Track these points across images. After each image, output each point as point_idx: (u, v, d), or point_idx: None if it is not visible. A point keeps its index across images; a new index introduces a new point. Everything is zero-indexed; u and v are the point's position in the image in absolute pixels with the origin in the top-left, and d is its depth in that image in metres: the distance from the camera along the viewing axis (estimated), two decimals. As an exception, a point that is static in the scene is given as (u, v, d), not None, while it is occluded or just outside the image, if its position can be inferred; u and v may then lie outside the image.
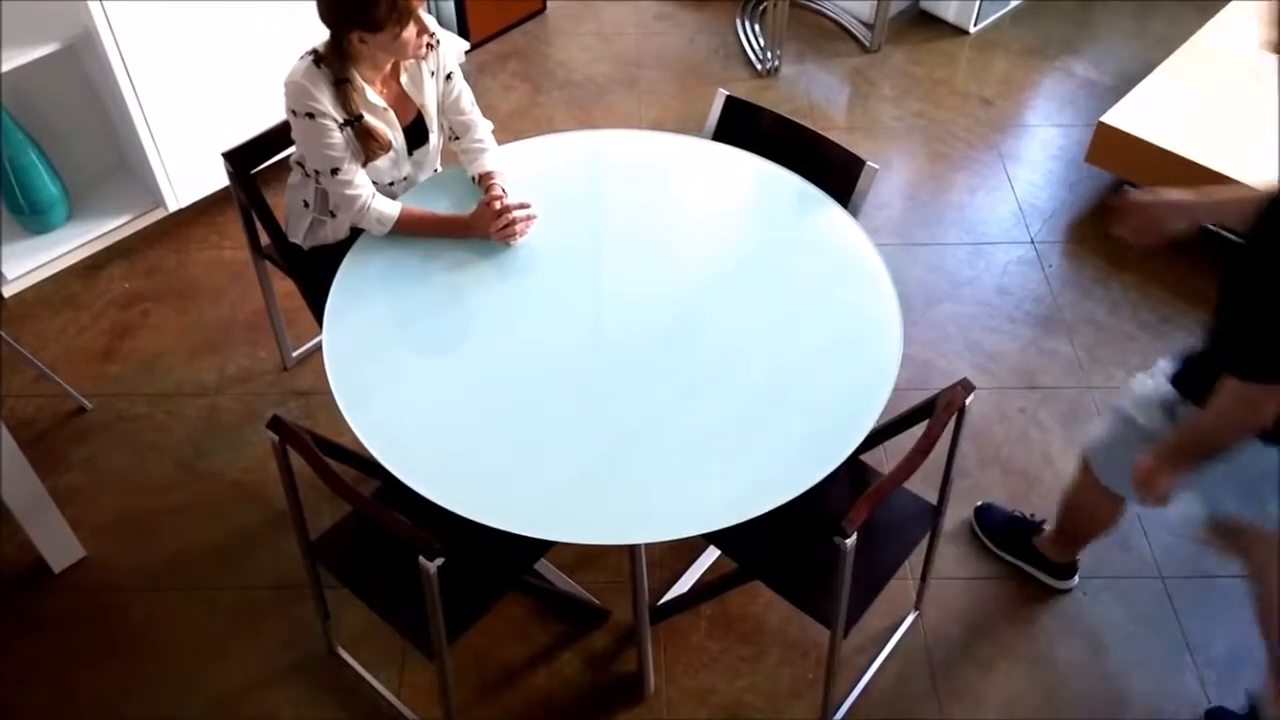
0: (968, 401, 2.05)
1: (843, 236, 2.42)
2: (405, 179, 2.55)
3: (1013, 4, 4.40)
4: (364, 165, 2.40)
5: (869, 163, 2.46)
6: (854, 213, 2.48)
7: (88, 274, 3.39)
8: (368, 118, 2.35)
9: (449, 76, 2.50)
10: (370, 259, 2.38)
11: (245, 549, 2.70)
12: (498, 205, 2.38)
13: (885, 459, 2.80)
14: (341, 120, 2.32)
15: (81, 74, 3.31)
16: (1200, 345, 1.98)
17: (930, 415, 2.02)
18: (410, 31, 2.25)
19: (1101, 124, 3.42)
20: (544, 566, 2.61)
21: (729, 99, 2.70)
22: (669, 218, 2.49)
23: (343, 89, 2.30)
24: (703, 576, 2.63)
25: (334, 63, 2.29)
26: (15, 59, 2.98)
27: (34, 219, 3.32)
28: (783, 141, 2.62)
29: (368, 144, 2.37)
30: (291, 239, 2.65)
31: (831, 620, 2.04)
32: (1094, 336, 3.19)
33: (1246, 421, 1.80)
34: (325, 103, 2.28)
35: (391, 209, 2.39)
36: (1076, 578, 2.61)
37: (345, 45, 2.27)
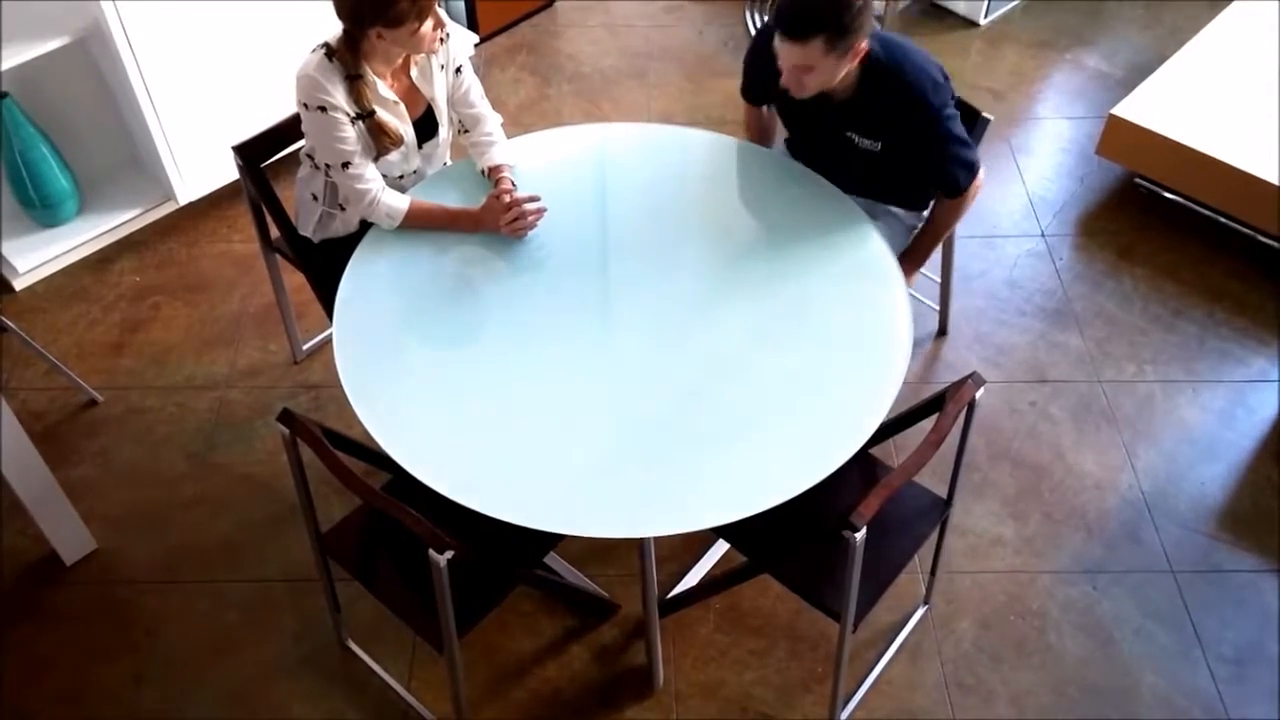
0: (978, 395, 2.05)
1: (851, 228, 2.41)
2: (415, 172, 2.55)
3: (1024, -4, 4.39)
4: (375, 160, 2.40)
5: (983, 114, 2.59)
6: None
7: (98, 267, 3.40)
8: (380, 112, 2.36)
9: (459, 70, 2.50)
10: (380, 252, 2.39)
11: (256, 542, 2.70)
12: (507, 199, 2.38)
13: (895, 452, 2.80)
14: (353, 114, 2.32)
15: (92, 67, 3.31)
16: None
17: (940, 409, 2.02)
18: (428, 26, 2.25)
19: (1112, 116, 3.41)
20: (553, 560, 2.61)
21: None
22: (678, 211, 2.49)
23: (355, 84, 2.30)
24: (712, 570, 2.63)
25: (346, 57, 2.29)
26: (26, 53, 2.99)
27: (45, 212, 3.33)
28: None
29: (379, 139, 2.37)
30: (301, 232, 2.66)
31: (841, 614, 2.04)
32: (1104, 330, 3.18)
33: (967, 209, 2.55)
34: (337, 96, 2.28)
35: (401, 203, 2.39)
36: None
37: (362, 41, 2.27)
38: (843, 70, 2.25)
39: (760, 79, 2.54)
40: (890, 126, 2.38)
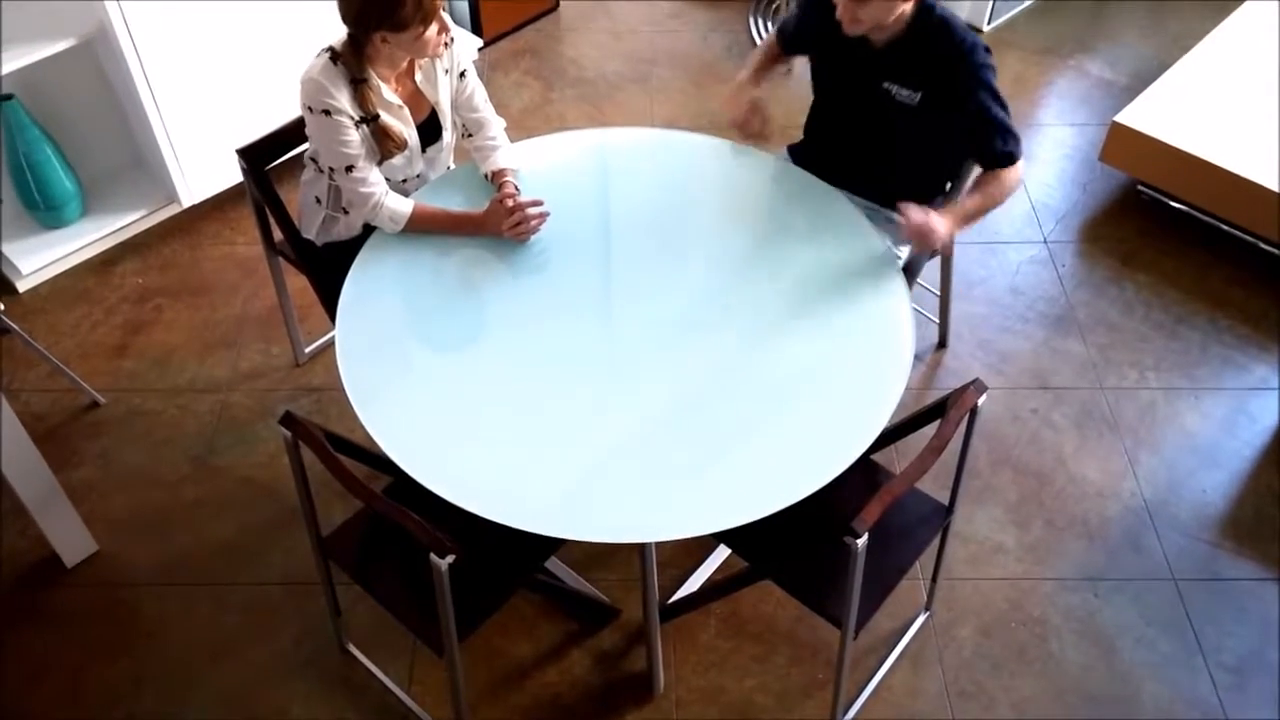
0: (980, 402, 2.05)
1: (855, 235, 2.41)
2: (418, 176, 2.56)
3: (1027, 3, 4.38)
4: (379, 164, 2.41)
5: None
6: (964, 176, 2.62)
7: (102, 269, 3.40)
8: (384, 116, 2.36)
9: (462, 74, 2.50)
10: (383, 256, 2.39)
11: (257, 545, 2.70)
12: (510, 203, 2.39)
13: (896, 459, 2.79)
14: (358, 118, 2.32)
15: (97, 70, 3.32)
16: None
17: (942, 415, 2.02)
18: (432, 30, 2.26)
19: (1115, 123, 3.41)
20: (554, 564, 2.61)
21: None
22: (680, 216, 2.49)
23: (360, 88, 2.30)
24: (713, 575, 2.63)
25: (351, 62, 2.29)
26: (31, 55, 2.99)
27: (49, 214, 3.33)
28: None
29: (384, 143, 2.38)
30: (305, 235, 2.66)
31: (842, 620, 2.03)
32: (1107, 337, 3.18)
33: (1013, 190, 2.45)
34: (342, 100, 2.28)
35: (404, 206, 2.40)
36: None
37: (366, 45, 2.28)
38: (895, 9, 2.27)
39: (811, 23, 2.52)
40: (935, 74, 2.36)
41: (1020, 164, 2.43)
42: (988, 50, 2.38)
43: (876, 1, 2.24)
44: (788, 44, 2.66)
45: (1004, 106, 2.40)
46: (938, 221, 2.30)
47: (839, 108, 2.61)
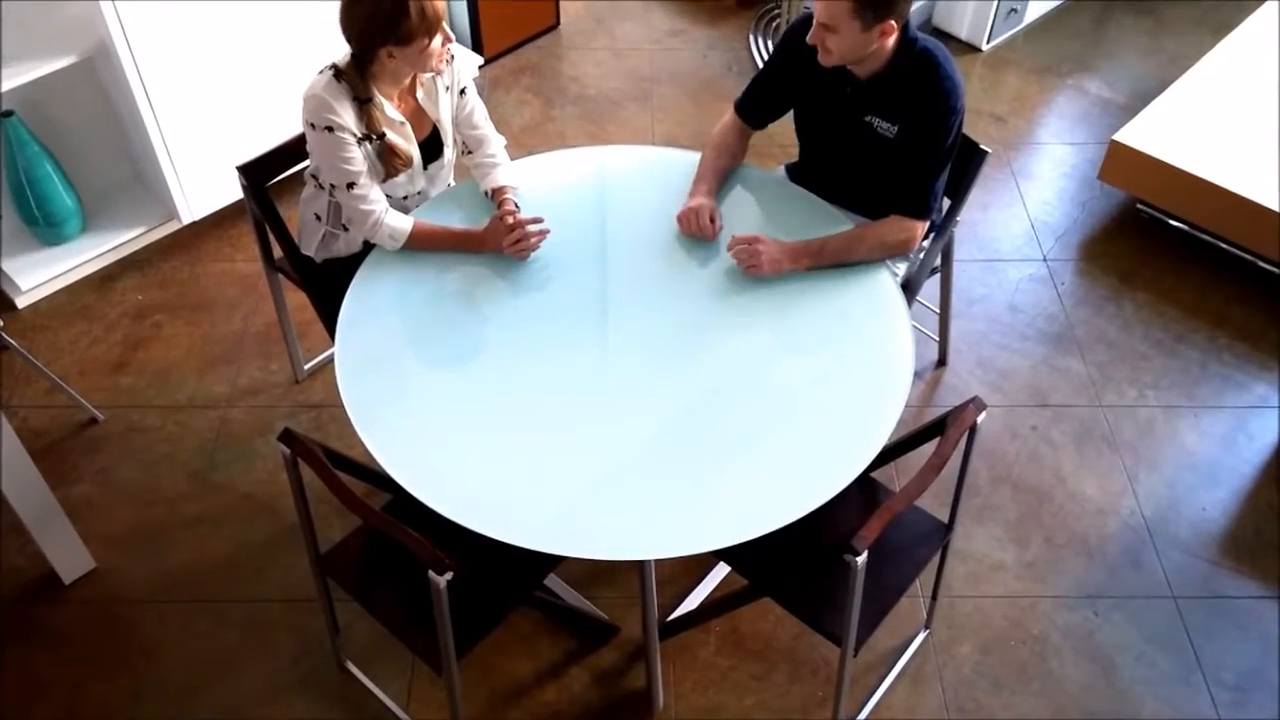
0: (979, 419, 2.05)
1: (855, 253, 2.42)
2: (419, 193, 2.56)
3: (1026, 22, 4.40)
4: (383, 182, 2.41)
5: (980, 145, 2.55)
6: (962, 195, 2.61)
7: (101, 286, 3.41)
8: (390, 135, 2.37)
9: (463, 91, 2.51)
10: (383, 273, 2.39)
11: (255, 562, 2.70)
12: (510, 220, 2.39)
13: (896, 476, 2.79)
14: (360, 135, 2.33)
15: (98, 87, 3.33)
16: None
17: (941, 433, 2.02)
18: (437, 41, 2.27)
19: (1114, 142, 3.42)
20: (553, 582, 2.60)
21: None
22: (680, 233, 2.49)
23: (365, 107, 2.31)
24: (712, 593, 2.62)
25: (355, 79, 2.30)
26: (32, 72, 3.00)
27: (49, 230, 3.34)
28: None
29: (390, 160, 2.38)
30: (304, 252, 2.66)
31: (842, 638, 2.03)
32: (1106, 355, 3.18)
33: (891, 249, 2.41)
34: (345, 117, 2.29)
35: (404, 224, 2.40)
36: None
37: (372, 63, 2.28)
38: (866, 46, 2.26)
39: (787, 75, 2.51)
40: (911, 106, 2.35)
41: (919, 228, 2.41)
42: (962, 95, 2.35)
43: (842, 34, 2.24)
44: (755, 117, 2.60)
45: (943, 164, 2.39)
46: (770, 245, 2.32)
47: (824, 144, 2.60)
